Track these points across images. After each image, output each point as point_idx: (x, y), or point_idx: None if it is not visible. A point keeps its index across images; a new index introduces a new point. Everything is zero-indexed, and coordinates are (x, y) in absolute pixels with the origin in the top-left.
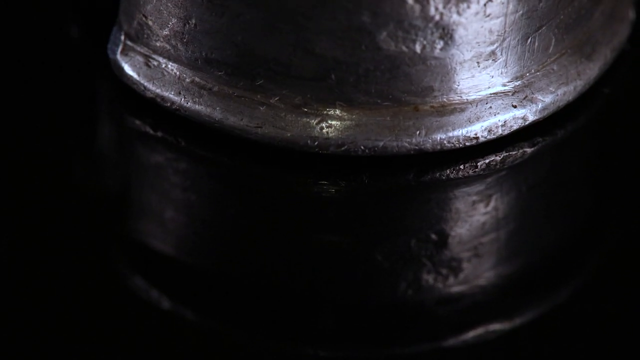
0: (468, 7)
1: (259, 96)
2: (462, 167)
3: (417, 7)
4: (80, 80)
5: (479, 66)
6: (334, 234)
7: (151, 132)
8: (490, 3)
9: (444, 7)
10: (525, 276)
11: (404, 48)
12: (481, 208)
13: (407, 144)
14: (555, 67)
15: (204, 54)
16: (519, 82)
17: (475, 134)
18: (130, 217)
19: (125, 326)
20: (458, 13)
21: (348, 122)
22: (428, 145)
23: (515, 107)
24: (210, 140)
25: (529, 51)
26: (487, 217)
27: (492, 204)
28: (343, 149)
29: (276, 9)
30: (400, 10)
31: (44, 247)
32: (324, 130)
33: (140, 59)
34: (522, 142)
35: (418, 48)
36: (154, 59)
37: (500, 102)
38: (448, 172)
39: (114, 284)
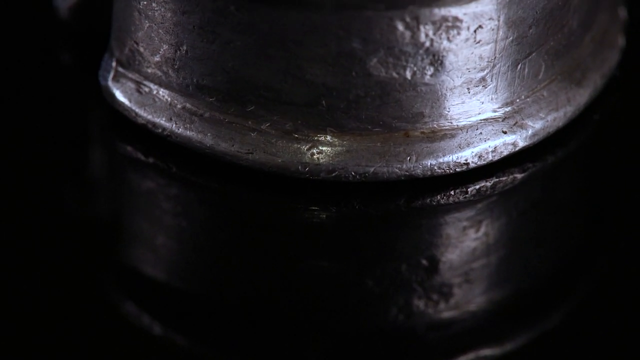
0: (458, 33)
1: (250, 122)
2: (452, 192)
3: (408, 34)
4: (71, 106)
5: (469, 92)
6: (325, 259)
7: (142, 158)
8: (480, 30)
9: (434, 34)
10: (516, 302)
11: (394, 74)
12: (472, 234)
13: (397, 170)
14: (545, 93)
15: (195, 81)
16: (509, 108)
17: (466, 160)
18: (121, 243)
19: (116, 352)
20: (448, 39)
21: (339, 148)
22: (418, 171)
23: (505, 133)
24: (201, 166)
25: (519, 77)
26: (477, 242)
27: (482, 229)
28: (334, 174)
29: (267, 35)
30: (390, 37)
31: (35, 273)
32: (314, 156)
33: (132, 85)
34: (512, 168)
35: (408, 74)
36: (145, 85)
37: (490, 128)
38: (438, 197)
39: (105, 310)
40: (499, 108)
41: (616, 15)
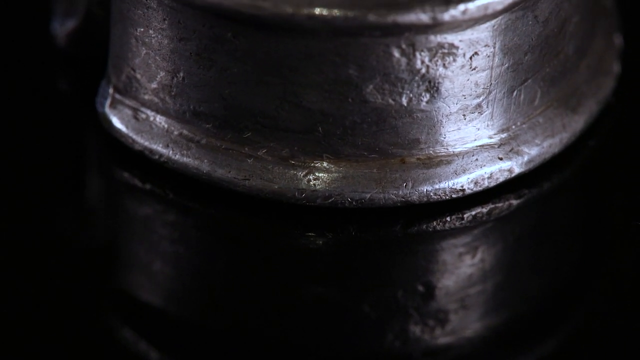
0: (454, 60)
1: (246, 148)
2: (448, 218)
3: (404, 60)
4: (68, 133)
5: (465, 119)
6: (321, 285)
7: (139, 184)
8: (476, 56)
9: (430, 61)
10: (512, 328)
11: (390, 101)
12: (468, 260)
13: (393, 196)
14: (541, 120)
15: (192, 107)
16: (505, 134)
17: (462, 186)
18: (118, 269)
19: None
20: (444, 66)
21: (335, 175)
22: (415, 197)
23: (501, 159)
24: (198, 192)
25: (514, 104)
26: (473, 268)
27: (478, 255)
28: (330, 201)
29: (263, 62)
30: (386, 64)
31: (32, 300)
32: (311, 183)
33: (129, 111)
34: (508, 194)
35: (404, 101)
36: (142, 111)
37: (486, 154)
38: (434, 223)
39: (103, 336)
40: (494, 134)
41: (612, 42)
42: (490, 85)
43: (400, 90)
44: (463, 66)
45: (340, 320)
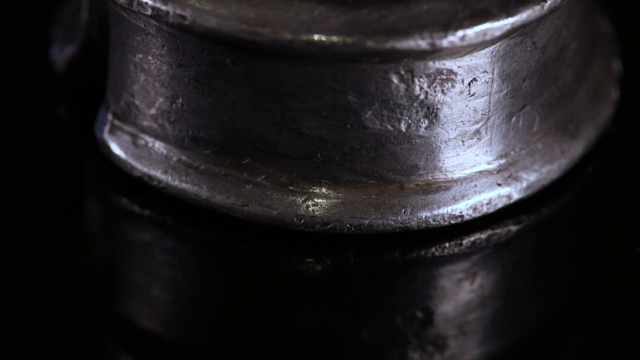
0: (452, 86)
1: (245, 174)
2: (447, 245)
3: (402, 87)
4: (67, 159)
5: (463, 145)
6: (320, 311)
7: (138, 210)
8: (474, 82)
9: (429, 86)
10: (511, 354)
11: (389, 127)
12: (466, 286)
13: (392, 222)
14: (539, 146)
15: (190, 133)
16: (504, 160)
17: (460, 212)
18: (117, 295)
19: None
20: (443, 92)
21: (334, 201)
22: (413, 223)
23: (500, 185)
24: (197, 218)
25: (513, 130)
26: (472, 294)
27: (477, 281)
28: (329, 227)
29: (262, 88)
30: (385, 90)
31: (31, 325)
32: (310, 209)
33: (128, 138)
34: (507, 220)
35: (403, 127)
36: (141, 138)
37: (485, 180)
38: (433, 250)
39: None
40: (493, 160)
41: (610, 68)
42: (489, 111)
43: (399, 116)
44: (462, 92)
45: (339, 346)
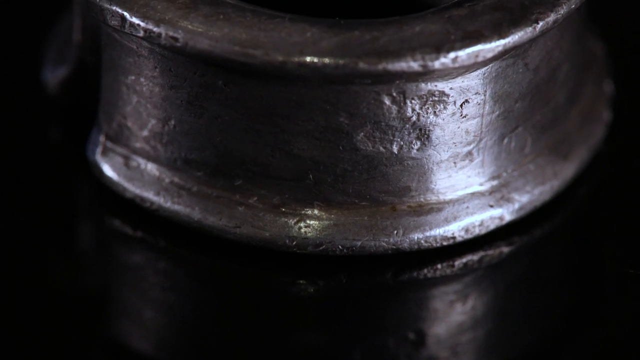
0: (445, 108)
1: (237, 196)
2: (439, 266)
3: (394, 108)
4: (59, 181)
5: (455, 166)
6: (312, 332)
7: (130, 232)
8: (466, 104)
9: (421, 108)
10: None
11: (381, 148)
12: (459, 307)
13: (384, 244)
14: (531, 167)
15: (183, 155)
16: (496, 181)
17: (453, 234)
18: (109, 317)
19: None
20: (435, 114)
21: (326, 222)
22: (405, 244)
23: (492, 206)
24: (189, 240)
25: (505, 151)
26: (465, 316)
27: (469, 303)
28: (321, 248)
29: (254, 110)
30: (377, 111)
31: (24, 348)
32: (302, 230)
33: (120, 159)
34: (499, 241)
35: (395, 148)
36: (133, 159)
37: (477, 201)
38: (425, 271)
39: None
40: (485, 182)
41: (602, 89)
42: (481, 132)
43: (391, 137)
44: (454, 114)
45: None
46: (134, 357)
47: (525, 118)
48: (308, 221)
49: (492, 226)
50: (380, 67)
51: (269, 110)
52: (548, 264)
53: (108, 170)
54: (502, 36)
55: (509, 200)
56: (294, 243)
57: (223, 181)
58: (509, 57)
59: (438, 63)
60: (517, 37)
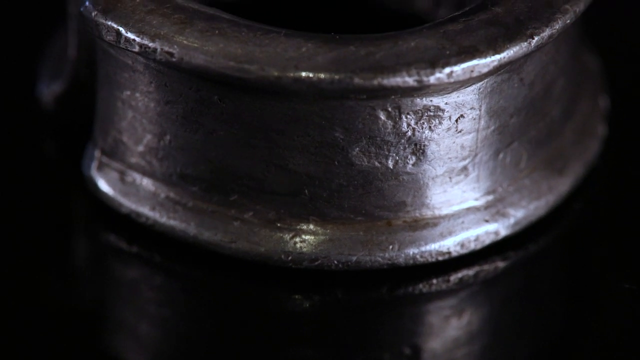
0: (440, 123)
1: (233, 211)
2: (434, 281)
3: (390, 123)
4: (55, 196)
5: (451, 181)
6: (308, 347)
7: (126, 247)
8: (462, 119)
9: (416, 123)
10: None
11: (376, 163)
12: (454, 322)
13: (380, 259)
14: (527, 182)
15: (178, 170)
16: (491, 196)
17: (448, 249)
18: (105, 332)
19: None
20: (430, 129)
21: (321, 237)
22: (401, 259)
23: (487, 221)
24: (185, 255)
25: (500, 166)
26: (460, 331)
27: (465, 318)
28: (316, 263)
29: (250, 125)
30: (372, 126)
31: None
32: (297, 245)
33: (115, 174)
34: (494, 256)
35: (390, 163)
36: (129, 174)
37: (472, 216)
38: (421, 286)
39: None
40: (481, 197)
41: (597, 104)
42: (476, 147)
43: (387, 153)
44: (449, 129)
45: None
46: None
47: (521, 133)
48: (303, 236)
49: (487, 241)
50: (376, 82)
51: (264, 126)
52: (543, 278)
53: (103, 185)
54: (497, 51)
55: (504, 215)
56: (290, 258)
57: (218, 196)
58: (504, 72)
59: (433, 78)
60: (512, 52)
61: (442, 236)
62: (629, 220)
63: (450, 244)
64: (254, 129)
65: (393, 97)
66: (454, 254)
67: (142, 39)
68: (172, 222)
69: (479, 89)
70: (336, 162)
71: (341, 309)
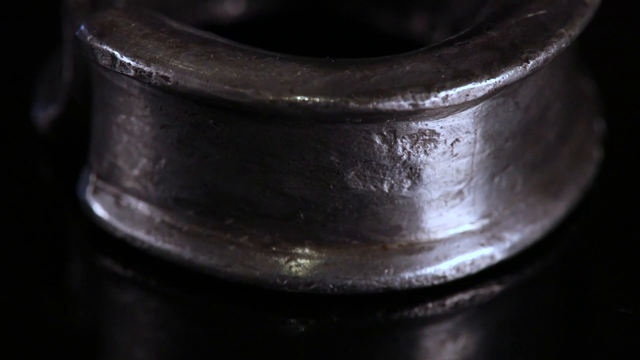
0: (435, 146)
1: (228, 235)
2: (430, 305)
3: (385, 147)
4: (50, 220)
5: (446, 205)
6: None
7: (121, 271)
8: (457, 143)
9: (412, 147)
10: None
11: (372, 187)
12: (450, 346)
13: (375, 283)
14: (522, 206)
15: (173, 194)
16: (487, 220)
17: (443, 273)
18: (101, 356)
19: None
20: (425, 153)
21: (317, 261)
22: (396, 283)
23: (483, 245)
24: (180, 279)
25: (496, 190)
26: (456, 355)
27: (461, 342)
28: (312, 287)
29: (245, 149)
30: (367, 150)
31: None
32: (292, 269)
33: (111, 198)
34: (490, 280)
35: (386, 187)
36: (124, 198)
37: (468, 240)
38: (417, 310)
39: None
40: (476, 220)
41: (592, 128)
42: (472, 171)
43: (382, 176)
44: (444, 153)
45: None
46: None
47: (516, 157)
48: (299, 260)
49: (483, 265)
50: (371, 106)
51: (259, 149)
52: (539, 302)
53: (99, 209)
54: (492, 75)
55: (500, 239)
56: (285, 282)
57: (214, 220)
58: (500, 96)
59: (429, 102)
60: (507, 76)
61: (438, 260)
62: (625, 244)
63: (445, 268)
64: (249, 152)
65: (388, 120)
66: (450, 278)
67: (137, 63)
68: (168, 246)
69: (475, 112)
70: (331, 186)
71: (337, 333)
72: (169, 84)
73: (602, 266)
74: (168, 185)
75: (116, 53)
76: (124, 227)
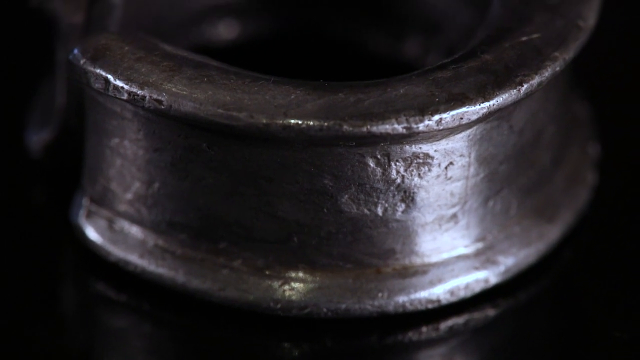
0: (429, 170)
1: (221, 259)
2: (424, 329)
3: (379, 170)
4: (43, 244)
5: (440, 228)
6: None
7: (114, 295)
8: (451, 166)
9: (405, 170)
10: None
11: (365, 211)
12: None
13: (369, 307)
14: (516, 229)
15: (167, 217)
16: (481, 244)
17: (438, 297)
18: None
19: None
20: (419, 176)
21: (311, 285)
22: (390, 307)
23: (477, 269)
24: (173, 303)
25: (490, 213)
26: None
27: None
28: (306, 311)
29: (238, 172)
30: (361, 174)
31: None
32: (286, 293)
33: (104, 222)
34: (484, 304)
35: (380, 211)
36: (117, 222)
37: (462, 264)
38: (410, 334)
39: None
40: (470, 244)
41: (587, 152)
42: (466, 195)
43: (376, 200)
44: (438, 176)
45: None
46: None
47: (510, 180)
48: (292, 284)
49: (477, 289)
50: (365, 129)
51: (253, 173)
52: (534, 326)
53: (92, 233)
54: (486, 98)
55: (494, 263)
56: (279, 306)
57: (207, 244)
58: (494, 119)
59: (422, 125)
60: (501, 99)
61: (432, 284)
62: (619, 268)
63: (440, 291)
64: (243, 176)
65: (382, 144)
66: (444, 301)
67: (130, 86)
68: (161, 270)
69: (469, 136)
70: (325, 210)
71: (330, 357)
72: (163, 107)
73: (597, 290)
74: (161, 209)
75: (109, 76)
76: (117, 251)
